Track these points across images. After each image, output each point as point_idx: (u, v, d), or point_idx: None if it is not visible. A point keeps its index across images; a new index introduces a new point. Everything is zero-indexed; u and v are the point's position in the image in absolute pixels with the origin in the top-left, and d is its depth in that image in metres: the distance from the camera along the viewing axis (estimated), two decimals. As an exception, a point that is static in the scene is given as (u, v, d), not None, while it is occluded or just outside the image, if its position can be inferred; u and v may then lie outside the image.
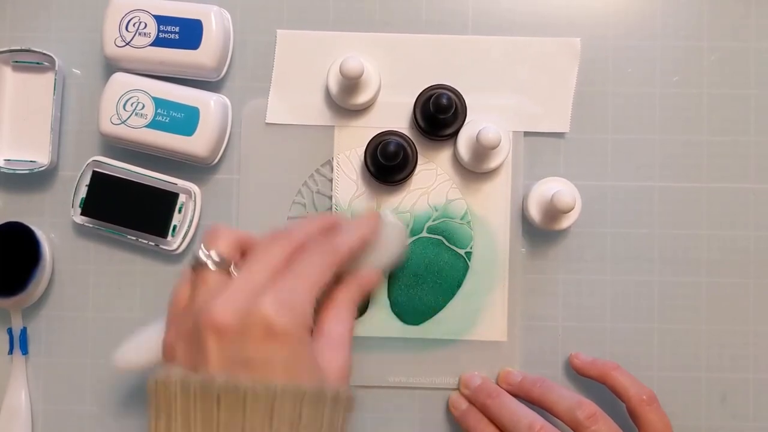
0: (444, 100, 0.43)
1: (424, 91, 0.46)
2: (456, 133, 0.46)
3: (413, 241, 0.47)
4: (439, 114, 0.43)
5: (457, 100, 0.45)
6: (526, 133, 0.47)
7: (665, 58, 0.48)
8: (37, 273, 0.45)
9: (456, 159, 0.47)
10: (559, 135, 0.47)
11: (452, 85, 0.46)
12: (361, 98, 0.46)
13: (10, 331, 0.47)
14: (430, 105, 0.44)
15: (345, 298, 0.39)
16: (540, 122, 0.47)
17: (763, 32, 0.47)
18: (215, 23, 0.45)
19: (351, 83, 0.45)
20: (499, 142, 0.42)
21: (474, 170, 0.46)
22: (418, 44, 0.48)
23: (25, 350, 0.47)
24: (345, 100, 0.46)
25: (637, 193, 0.47)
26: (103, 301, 0.47)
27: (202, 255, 0.36)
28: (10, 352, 0.47)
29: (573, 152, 0.47)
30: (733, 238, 0.47)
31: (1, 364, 0.47)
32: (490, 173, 0.47)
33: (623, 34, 0.48)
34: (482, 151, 0.44)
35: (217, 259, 0.36)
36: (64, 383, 0.47)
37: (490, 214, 0.47)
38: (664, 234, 0.47)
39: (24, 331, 0.47)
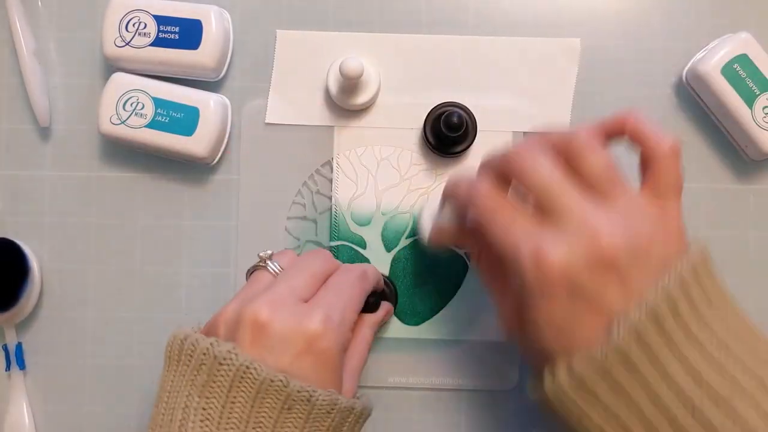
0: (455, 119, 0.43)
1: (434, 108, 0.46)
2: (467, 149, 0.46)
3: (413, 242, 0.47)
4: (450, 132, 0.44)
5: (467, 118, 0.45)
6: (526, 134, 0.47)
7: (665, 58, 0.48)
8: (27, 287, 0.45)
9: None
10: (559, 135, 0.47)
11: (459, 101, 0.46)
12: (361, 98, 0.46)
13: (5, 348, 0.46)
14: (441, 123, 0.44)
15: (366, 334, 0.42)
16: (540, 122, 0.47)
17: (764, 33, 0.47)
18: (215, 23, 0.45)
19: (351, 83, 0.45)
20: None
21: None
22: (418, 44, 0.48)
23: (22, 365, 0.46)
24: (345, 100, 0.46)
25: (637, 193, 0.47)
26: (98, 312, 0.47)
27: (262, 254, 0.39)
28: (8, 368, 0.46)
29: (573, 152, 0.47)
30: (733, 239, 0.47)
31: (0, 381, 0.47)
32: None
33: (623, 34, 0.48)
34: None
35: (275, 268, 0.39)
36: (64, 395, 0.47)
37: (489, 215, 0.47)
38: (664, 234, 0.47)
39: (19, 346, 0.46)
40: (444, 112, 0.44)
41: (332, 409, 0.34)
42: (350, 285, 0.39)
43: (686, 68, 0.47)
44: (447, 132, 0.44)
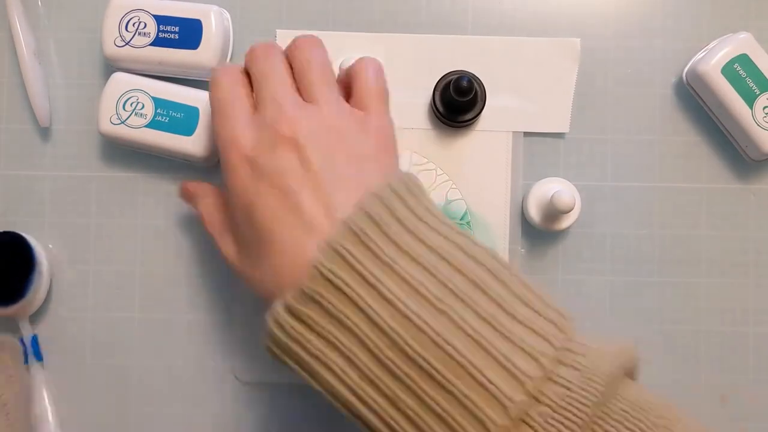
0: (464, 83, 0.43)
1: (442, 77, 0.45)
2: (475, 118, 0.45)
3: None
4: (460, 97, 0.43)
5: (476, 83, 0.45)
6: (526, 134, 0.47)
7: (665, 58, 0.48)
8: (34, 278, 0.45)
9: (459, 155, 0.47)
10: (559, 135, 0.47)
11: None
12: (361, 98, 0.46)
13: (21, 341, 0.46)
14: (450, 88, 0.43)
15: None
16: (540, 122, 0.47)
17: (763, 33, 0.47)
18: (215, 23, 0.45)
19: (351, 83, 0.45)
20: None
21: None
22: (418, 44, 0.48)
23: (39, 357, 0.46)
24: (345, 100, 0.46)
25: (637, 193, 0.47)
26: (98, 313, 0.47)
27: None
28: (26, 361, 0.46)
29: (573, 152, 0.47)
30: (733, 238, 0.47)
31: (22, 375, 0.46)
32: (490, 174, 0.47)
33: (623, 34, 0.48)
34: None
35: None
36: (84, 385, 0.47)
37: (489, 215, 0.47)
38: (664, 234, 0.47)
39: (35, 339, 0.46)
40: (453, 79, 0.44)
41: None
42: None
43: (686, 68, 0.47)
44: (456, 96, 0.43)
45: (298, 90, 0.37)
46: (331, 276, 0.30)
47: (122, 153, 0.47)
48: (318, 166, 0.33)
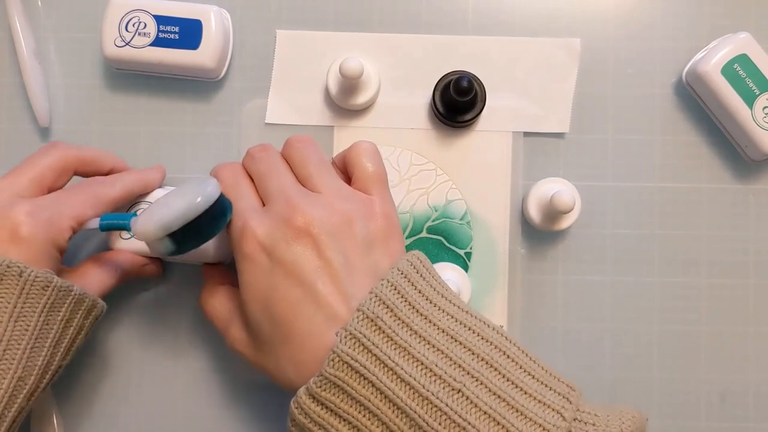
0: (464, 83, 0.43)
1: (442, 77, 0.45)
2: (474, 118, 0.45)
3: (413, 242, 0.47)
4: (460, 97, 0.43)
5: (476, 83, 0.45)
6: (526, 134, 0.47)
7: (665, 58, 0.48)
8: None
9: (459, 154, 0.47)
10: (559, 135, 0.47)
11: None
12: (361, 99, 0.46)
13: None
14: (451, 88, 0.43)
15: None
16: (540, 122, 0.47)
17: (763, 33, 0.47)
18: (215, 23, 0.45)
19: (350, 83, 0.45)
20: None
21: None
22: (418, 44, 0.48)
23: None
24: (344, 100, 0.46)
25: (637, 193, 0.47)
26: (108, 301, 0.47)
27: None
28: None
29: (573, 152, 0.47)
30: (733, 239, 0.47)
31: None
32: (490, 174, 0.47)
33: (623, 34, 0.48)
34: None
35: None
36: (86, 384, 0.47)
37: (489, 215, 0.47)
38: (664, 234, 0.47)
39: None
40: (453, 79, 0.44)
41: (47, 286, 0.36)
42: (78, 190, 0.40)
43: (686, 68, 0.47)
44: (457, 97, 0.43)
45: (300, 182, 0.38)
46: (351, 361, 0.31)
47: (122, 153, 0.47)
48: (332, 255, 0.35)
